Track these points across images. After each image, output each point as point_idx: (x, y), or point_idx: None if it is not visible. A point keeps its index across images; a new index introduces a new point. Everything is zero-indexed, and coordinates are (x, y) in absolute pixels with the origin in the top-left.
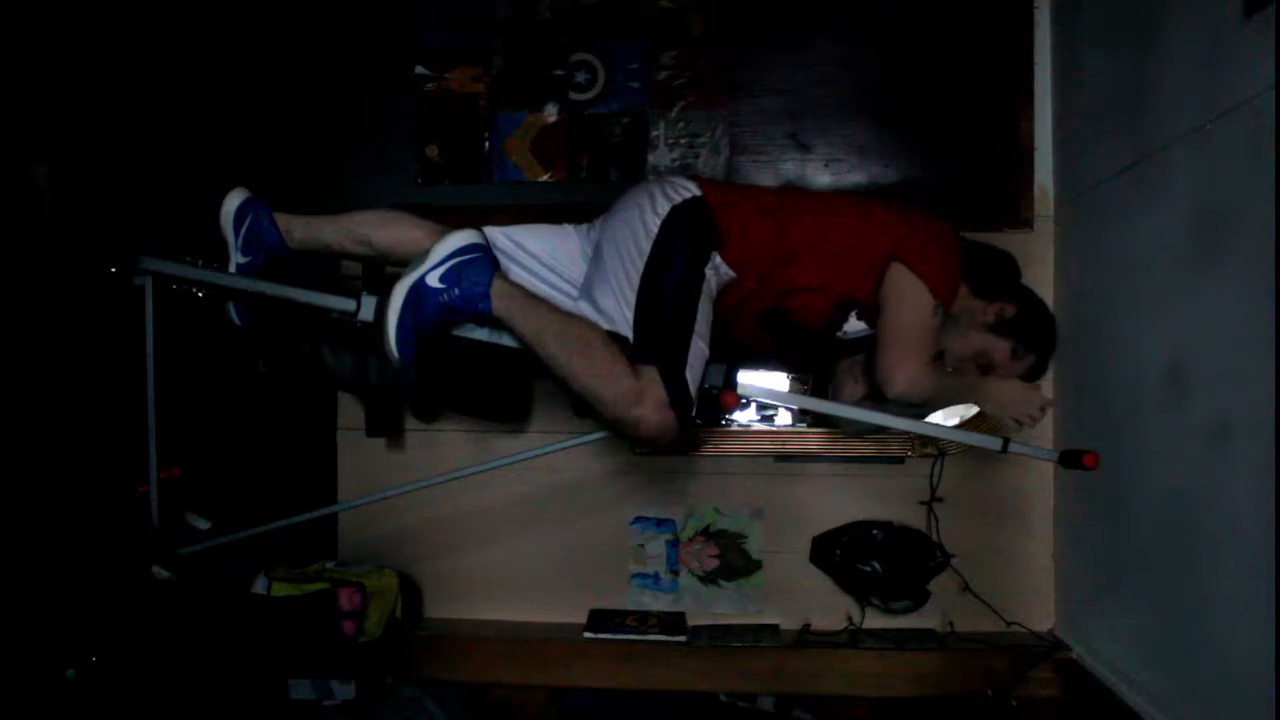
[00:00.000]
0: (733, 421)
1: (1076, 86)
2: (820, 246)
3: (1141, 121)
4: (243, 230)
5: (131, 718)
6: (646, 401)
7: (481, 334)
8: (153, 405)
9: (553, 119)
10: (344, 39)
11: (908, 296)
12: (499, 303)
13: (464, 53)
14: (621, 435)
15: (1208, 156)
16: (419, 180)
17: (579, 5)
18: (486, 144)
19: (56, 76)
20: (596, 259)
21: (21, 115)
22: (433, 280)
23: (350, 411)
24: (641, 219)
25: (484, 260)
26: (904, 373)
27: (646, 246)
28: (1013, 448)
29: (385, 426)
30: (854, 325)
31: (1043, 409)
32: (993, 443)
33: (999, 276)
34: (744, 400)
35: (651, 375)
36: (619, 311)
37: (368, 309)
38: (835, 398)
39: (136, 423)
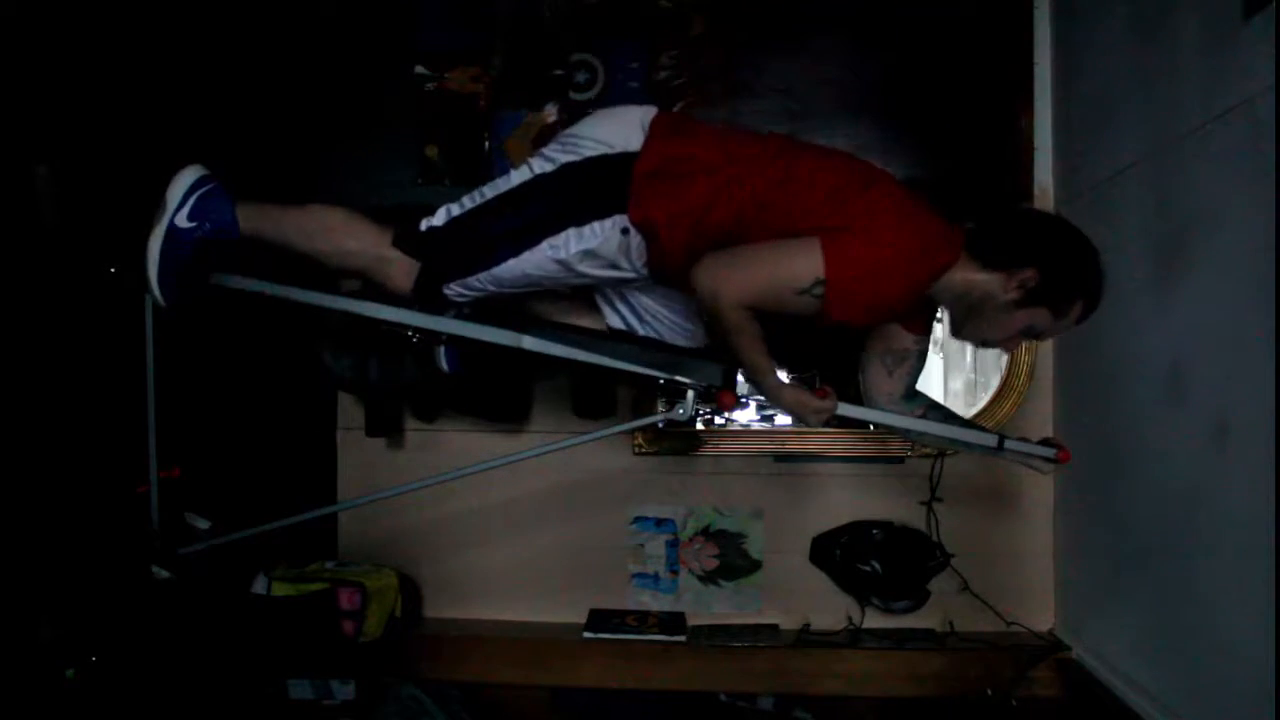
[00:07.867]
0: (733, 421)
1: (1076, 86)
2: (776, 209)
3: (1141, 122)
4: (194, 198)
5: (131, 718)
6: (389, 248)
7: (505, 338)
8: (153, 405)
9: (553, 119)
10: (344, 38)
11: (797, 247)
12: (246, 225)
13: (464, 53)
14: (379, 285)
15: (1208, 156)
16: (419, 180)
17: (579, 5)
18: (486, 144)
19: (57, 75)
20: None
21: (21, 115)
22: (182, 221)
23: (350, 411)
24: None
25: (220, 189)
26: (720, 275)
27: (536, 172)
28: (1009, 444)
29: (385, 426)
30: None
31: (824, 415)
32: (989, 440)
33: (1010, 240)
34: (743, 400)
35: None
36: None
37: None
38: (866, 391)
39: (136, 423)
